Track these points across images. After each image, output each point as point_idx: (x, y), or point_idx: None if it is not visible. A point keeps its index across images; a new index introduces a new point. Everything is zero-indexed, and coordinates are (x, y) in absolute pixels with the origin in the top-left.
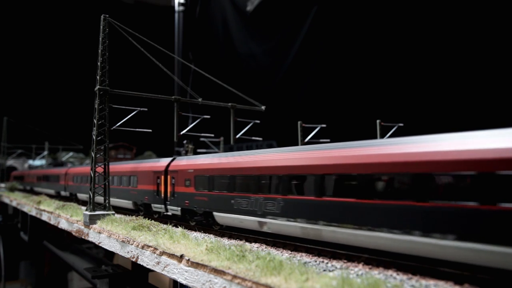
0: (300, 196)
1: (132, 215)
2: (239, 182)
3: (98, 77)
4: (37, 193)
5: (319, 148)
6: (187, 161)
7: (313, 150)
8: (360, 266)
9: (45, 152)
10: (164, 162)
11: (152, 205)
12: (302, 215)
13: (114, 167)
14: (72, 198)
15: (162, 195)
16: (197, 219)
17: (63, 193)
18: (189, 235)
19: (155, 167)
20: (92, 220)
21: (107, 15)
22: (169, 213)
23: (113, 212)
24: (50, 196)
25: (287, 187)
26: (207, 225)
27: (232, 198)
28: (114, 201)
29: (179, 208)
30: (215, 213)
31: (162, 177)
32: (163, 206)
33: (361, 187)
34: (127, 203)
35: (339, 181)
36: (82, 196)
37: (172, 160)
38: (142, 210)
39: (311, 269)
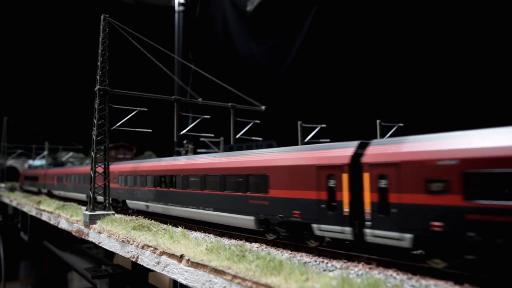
0: None
1: (132, 215)
2: None
3: (98, 77)
4: (59, 198)
5: None
6: (434, 143)
7: None
8: (360, 266)
9: (45, 152)
10: (337, 149)
11: (315, 225)
12: None
13: (208, 161)
14: (116, 206)
15: (345, 209)
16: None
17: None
18: (189, 235)
19: (321, 158)
20: (92, 220)
21: (107, 15)
22: (347, 239)
23: (113, 212)
24: (78, 201)
25: None
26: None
27: None
28: (207, 214)
29: (410, 236)
30: None
31: (344, 175)
32: (348, 228)
33: None
34: (241, 220)
35: None
36: (135, 204)
37: (360, 146)
38: (282, 232)
39: (311, 269)
